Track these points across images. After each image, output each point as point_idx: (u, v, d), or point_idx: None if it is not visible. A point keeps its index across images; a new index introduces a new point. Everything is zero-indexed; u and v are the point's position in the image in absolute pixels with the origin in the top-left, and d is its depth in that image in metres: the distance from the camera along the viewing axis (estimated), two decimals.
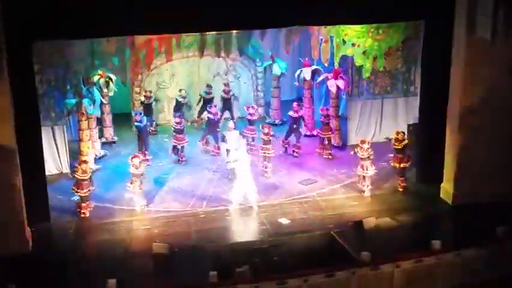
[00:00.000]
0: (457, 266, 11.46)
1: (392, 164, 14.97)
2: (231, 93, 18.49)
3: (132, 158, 14.16)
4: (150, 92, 18.14)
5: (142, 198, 14.18)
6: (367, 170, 14.58)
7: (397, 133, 14.84)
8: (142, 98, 17.99)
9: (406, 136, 14.93)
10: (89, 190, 13.90)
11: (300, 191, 14.95)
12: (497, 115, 13.59)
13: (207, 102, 18.02)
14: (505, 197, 13.67)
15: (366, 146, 14.54)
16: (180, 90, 18.39)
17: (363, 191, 14.66)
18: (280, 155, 16.76)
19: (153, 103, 18.21)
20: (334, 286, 10.96)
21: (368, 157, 14.56)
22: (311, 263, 11.52)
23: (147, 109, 17.91)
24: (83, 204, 13.83)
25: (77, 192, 13.83)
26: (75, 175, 13.90)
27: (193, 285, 10.88)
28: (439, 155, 14.39)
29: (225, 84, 18.59)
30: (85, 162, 14.25)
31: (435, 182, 14.54)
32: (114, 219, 13.73)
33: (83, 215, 13.81)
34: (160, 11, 12.63)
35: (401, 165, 14.76)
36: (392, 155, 15.01)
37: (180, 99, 18.17)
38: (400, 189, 14.85)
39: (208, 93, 18.29)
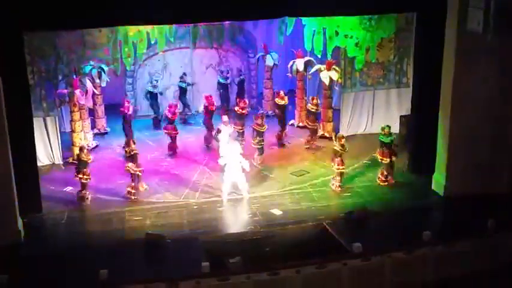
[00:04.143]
0: (447, 258, 11.53)
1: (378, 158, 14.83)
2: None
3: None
4: (156, 81, 18.14)
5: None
6: (337, 165, 14.39)
7: (383, 128, 14.74)
8: (150, 88, 17.96)
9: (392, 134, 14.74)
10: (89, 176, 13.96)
11: (292, 182, 14.98)
12: (489, 106, 13.63)
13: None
14: (496, 189, 13.75)
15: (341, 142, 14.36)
16: (182, 76, 18.40)
17: (337, 186, 14.47)
18: (271, 147, 16.79)
19: (159, 93, 18.20)
20: (326, 277, 11.02)
21: (341, 153, 14.36)
22: (303, 254, 11.55)
23: (155, 99, 17.96)
24: (87, 192, 13.87)
25: (81, 178, 13.80)
26: (81, 158, 13.87)
27: (185, 276, 10.90)
28: (431, 146, 14.43)
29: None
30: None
31: (427, 173, 14.59)
32: (106, 210, 13.72)
33: (86, 202, 13.83)
34: (152, 2, 12.59)
35: (386, 159, 14.62)
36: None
37: (184, 85, 18.26)
38: (382, 184, 14.73)
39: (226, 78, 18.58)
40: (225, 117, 16.05)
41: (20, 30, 12.64)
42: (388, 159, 14.60)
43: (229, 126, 15.70)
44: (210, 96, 17.02)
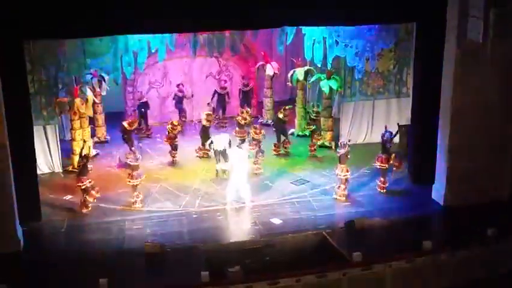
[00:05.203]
0: (448, 267, 11.51)
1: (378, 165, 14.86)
2: (249, 86, 18.56)
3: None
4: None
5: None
6: (342, 172, 14.41)
7: (383, 134, 14.81)
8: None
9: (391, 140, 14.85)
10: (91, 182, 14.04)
11: (291, 191, 14.98)
12: (488, 116, 13.67)
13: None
14: (496, 198, 13.76)
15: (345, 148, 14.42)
16: (178, 85, 18.43)
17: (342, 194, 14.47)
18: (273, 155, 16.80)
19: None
20: (326, 286, 10.99)
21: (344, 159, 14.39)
22: (303, 263, 11.54)
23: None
24: (89, 196, 13.91)
25: (82, 184, 13.80)
26: (83, 161, 13.95)
27: (185, 285, 10.88)
28: (430, 155, 14.44)
29: (242, 77, 18.72)
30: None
31: (427, 182, 14.59)
32: (106, 219, 13.69)
33: (86, 209, 13.86)
34: (152, 11, 12.62)
35: (384, 165, 14.64)
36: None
37: (179, 94, 18.31)
38: (382, 191, 14.79)
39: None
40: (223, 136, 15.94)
41: (21, 38, 12.67)
42: (386, 165, 14.61)
43: (223, 134, 15.67)
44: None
